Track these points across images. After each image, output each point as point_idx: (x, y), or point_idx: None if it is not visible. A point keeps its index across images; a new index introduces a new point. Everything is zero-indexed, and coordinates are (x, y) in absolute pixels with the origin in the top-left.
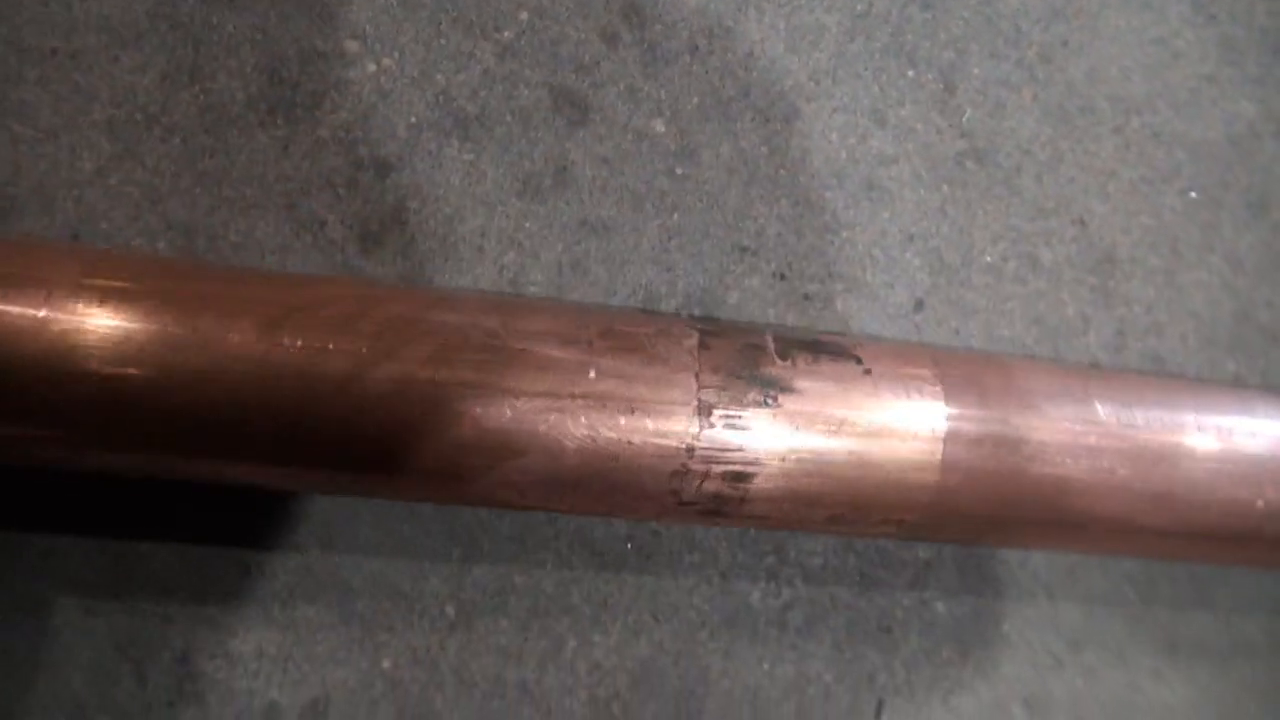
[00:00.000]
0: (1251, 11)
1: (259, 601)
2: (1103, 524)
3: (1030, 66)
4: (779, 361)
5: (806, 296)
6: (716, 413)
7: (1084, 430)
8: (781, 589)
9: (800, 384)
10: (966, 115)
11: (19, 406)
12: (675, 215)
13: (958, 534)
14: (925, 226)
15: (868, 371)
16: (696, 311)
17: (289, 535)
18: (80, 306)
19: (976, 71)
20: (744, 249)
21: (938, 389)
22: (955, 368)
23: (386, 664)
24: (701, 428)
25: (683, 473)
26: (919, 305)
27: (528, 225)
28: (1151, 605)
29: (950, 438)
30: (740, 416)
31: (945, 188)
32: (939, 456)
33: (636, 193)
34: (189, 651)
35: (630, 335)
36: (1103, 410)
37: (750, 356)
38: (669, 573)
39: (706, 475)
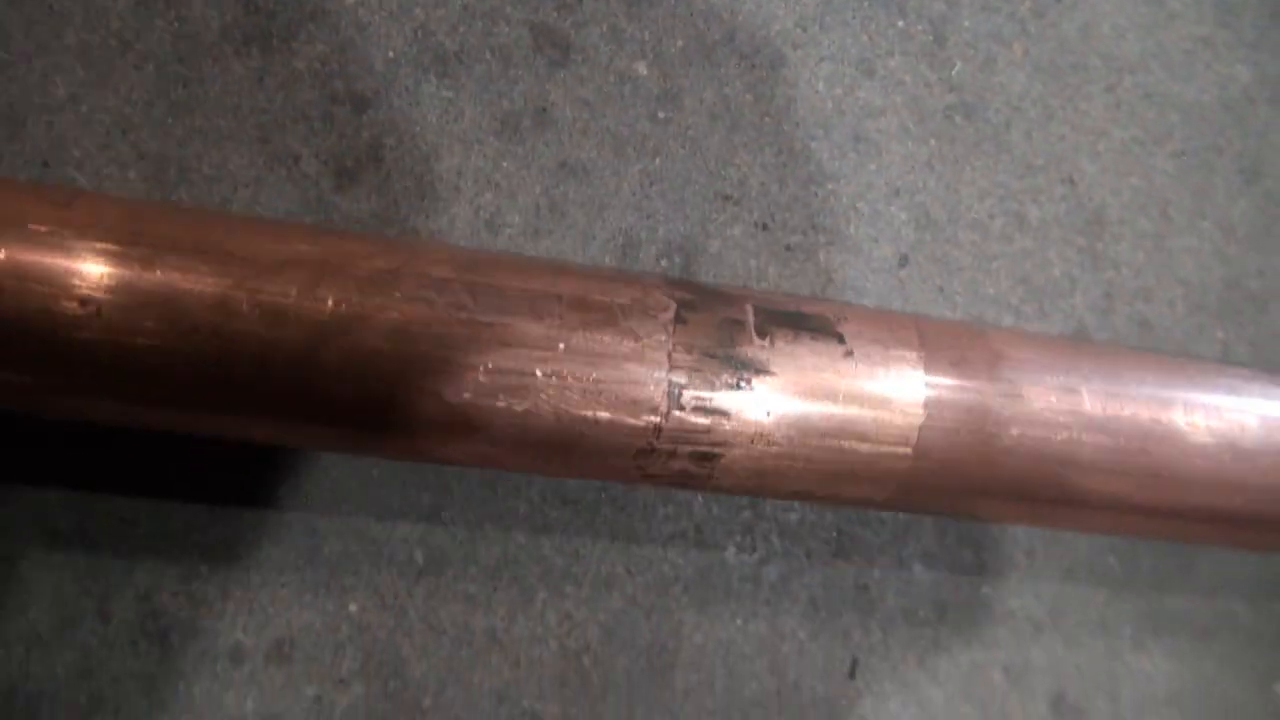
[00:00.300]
0: None
1: (225, 543)
2: (1085, 502)
3: (1022, 21)
4: (756, 340)
5: (789, 248)
6: (687, 394)
7: (1068, 407)
8: (757, 544)
9: (777, 365)
10: (956, 68)
11: None
12: (657, 160)
13: (932, 510)
14: (912, 180)
15: (849, 353)
16: (677, 260)
17: (256, 479)
18: (42, 250)
19: (967, 24)
20: (726, 197)
21: (919, 371)
22: (942, 349)
23: (353, 608)
24: (670, 408)
25: (649, 451)
26: (904, 261)
27: (505, 165)
28: (1134, 575)
29: (927, 425)
30: (711, 399)
31: (933, 142)
32: (914, 440)
33: (618, 136)
34: (152, 592)
35: (603, 306)
36: (1089, 388)
37: (727, 333)
38: (643, 526)
39: (673, 454)
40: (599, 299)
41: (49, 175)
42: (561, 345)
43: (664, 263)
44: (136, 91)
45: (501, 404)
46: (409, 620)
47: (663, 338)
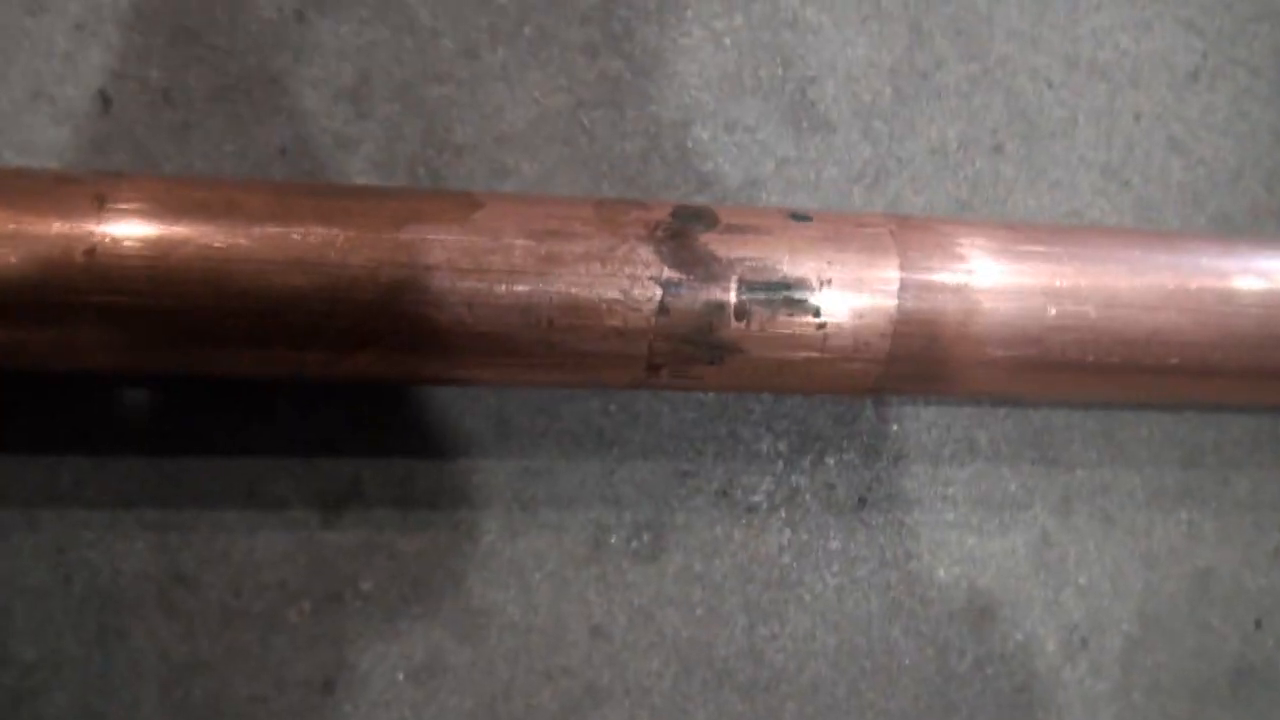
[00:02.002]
0: (1166, 169)
1: None
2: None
3: None
4: (734, 323)
5: (750, 509)
6: (664, 371)
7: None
8: None
9: (749, 345)
10: None
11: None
12: (614, 449)
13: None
14: None
15: (822, 328)
16: (645, 538)
17: None
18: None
19: None
20: (684, 473)
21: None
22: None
23: None
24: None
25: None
26: (862, 503)
27: (475, 479)
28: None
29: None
30: (685, 376)
31: None
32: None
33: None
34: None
35: (592, 309)
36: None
37: (707, 318)
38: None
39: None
40: (587, 302)
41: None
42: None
43: (634, 543)
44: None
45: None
46: None
47: (644, 329)
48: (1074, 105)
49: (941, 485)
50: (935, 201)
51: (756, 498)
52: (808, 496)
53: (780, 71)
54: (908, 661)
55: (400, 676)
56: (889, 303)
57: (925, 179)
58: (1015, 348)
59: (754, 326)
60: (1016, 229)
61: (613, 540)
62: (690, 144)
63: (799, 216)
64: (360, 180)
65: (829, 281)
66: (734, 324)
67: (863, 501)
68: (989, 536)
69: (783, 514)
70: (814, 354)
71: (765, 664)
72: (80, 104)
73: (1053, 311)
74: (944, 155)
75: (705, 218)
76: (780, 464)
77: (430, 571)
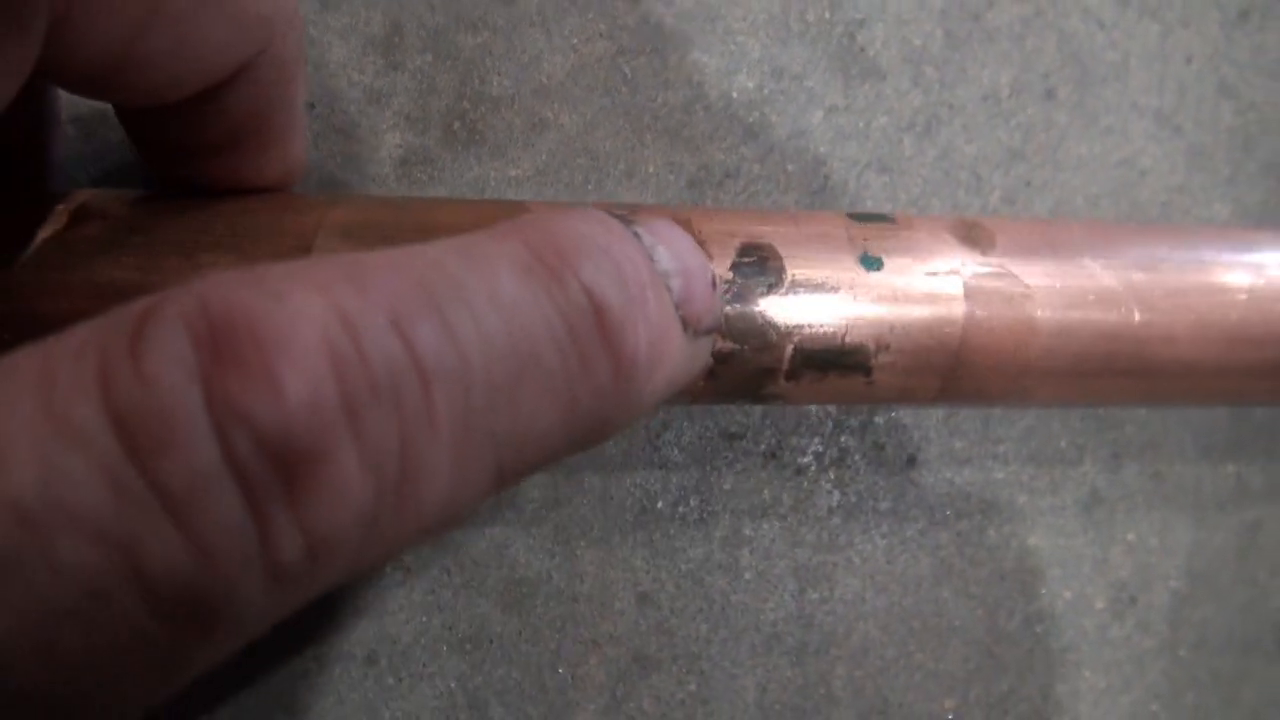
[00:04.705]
0: (1216, 114)
1: None
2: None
3: (994, 211)
4: (784, 382)
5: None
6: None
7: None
8: None
9: (794, 395)
10: None
11: None
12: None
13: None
14: None
15: (870, 383)
16: (693, 502)
17: None
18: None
19: None
20: (733, 435)
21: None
22: (965, 383)
23: None
24: None
25: None
26: (911, 461)
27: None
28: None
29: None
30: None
31: None
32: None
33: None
34: None
35: None
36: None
37: (756, 380)
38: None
39: None
40: None
41: None
42: None
43: (680, 508)
44: None
45: None
46: None
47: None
48: (1126, 47)
49: (992, 443)
50: (987, 150)
51: (805, 459)
52: (857, 457)
53: (828, 15)
54: (957, 622)
55: (444, 648)
56: (945, 362)
57: (977, 127)
58: (1069, 396)
59: (802, 383)
60: (1089, 283)
61: (659, 505)
62: (735, 93)
63: (870, 263)
64: (393, 136)
65: (887, 347)
66: (782, 383)
67: (912, 461)
68: (1039, 494)
69: (832, 475)
70: (857, 400)
71: (815, 628)
72: None
73: (1113, 356)
74: (996, 101)
75: (770, 271)
76: (829, 424)
77: (473, 541)
